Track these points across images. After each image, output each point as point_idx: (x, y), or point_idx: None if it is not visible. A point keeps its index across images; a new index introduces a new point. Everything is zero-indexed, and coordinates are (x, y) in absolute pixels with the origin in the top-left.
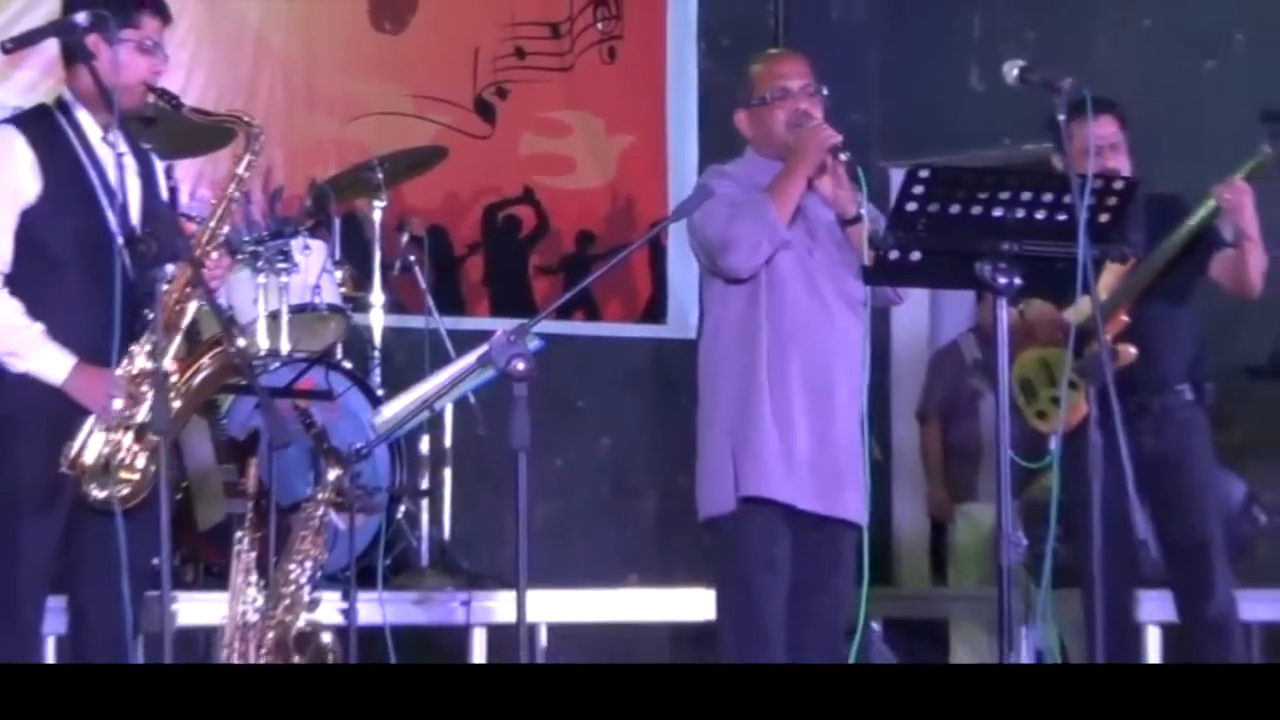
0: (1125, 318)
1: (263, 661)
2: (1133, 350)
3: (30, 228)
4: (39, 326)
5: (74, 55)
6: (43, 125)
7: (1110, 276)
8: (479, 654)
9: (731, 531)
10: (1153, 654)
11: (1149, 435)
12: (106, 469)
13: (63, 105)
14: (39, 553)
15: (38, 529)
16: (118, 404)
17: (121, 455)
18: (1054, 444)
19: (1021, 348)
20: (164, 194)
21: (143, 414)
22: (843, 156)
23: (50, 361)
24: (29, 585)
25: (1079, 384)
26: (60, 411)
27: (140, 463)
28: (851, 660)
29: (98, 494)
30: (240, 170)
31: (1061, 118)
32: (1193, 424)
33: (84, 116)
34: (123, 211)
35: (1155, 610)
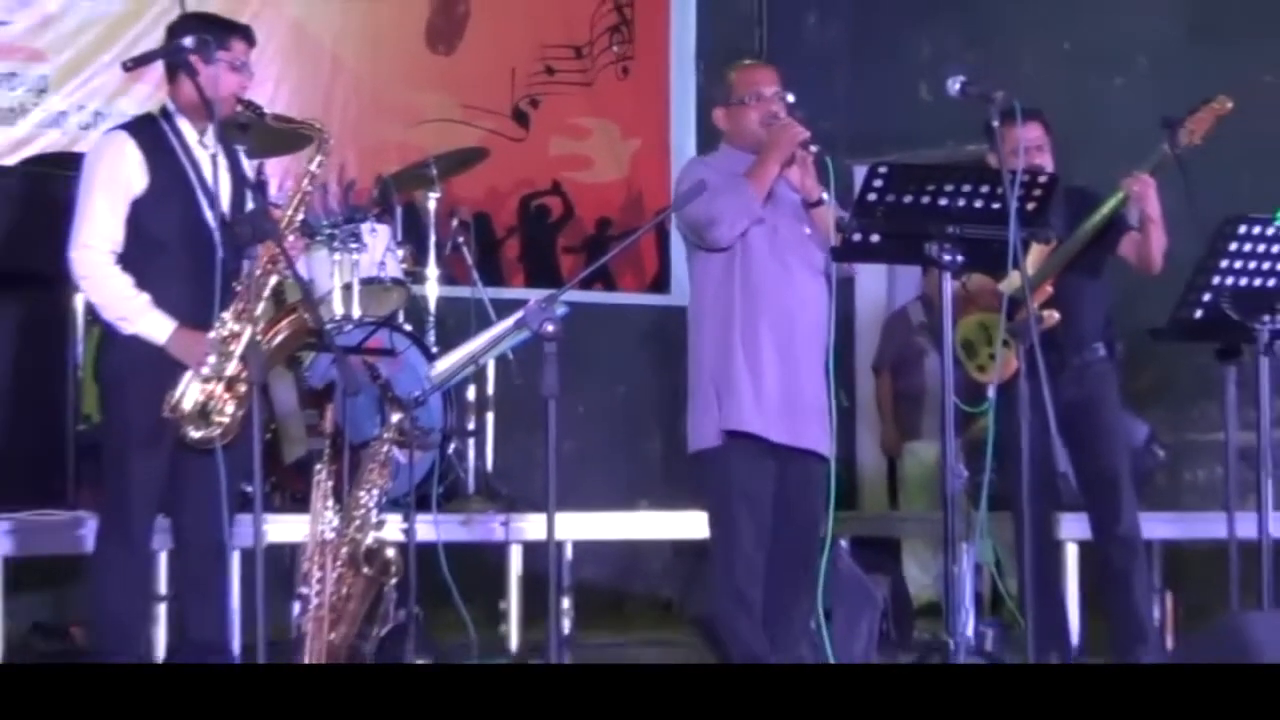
0: (1050, 289)
1: (337, 573)
2: (1056, 315)
3: (138, 216)
4: (145, 296)
5: (177, 72)
6: (149, 130)
7: (1036, 255)
8: (515, 566)
9: (714, 463)
10: (1071, 566)
11: (1070, 386)
12: (202, 414)
13: (166, 114)
14: (147, 483)
15: (145, 464)
16: (211, 360)
17: (214, 403)
18: (991, 393)
19: (964, 313)
20: (253, 187)
21: (231, 368)
22: (812, 149)
23: (154, 325)
24: (139, 510)
25: (1011, 343)
26: (163, 367)
27: (230, 409)
28: (821, 572)
29: (194, 435)
30: (312, 168)
31: (996, 123)
32: (1105, 376)
33: (184, 123)
34: (215, 202)
35: (1073, 530)
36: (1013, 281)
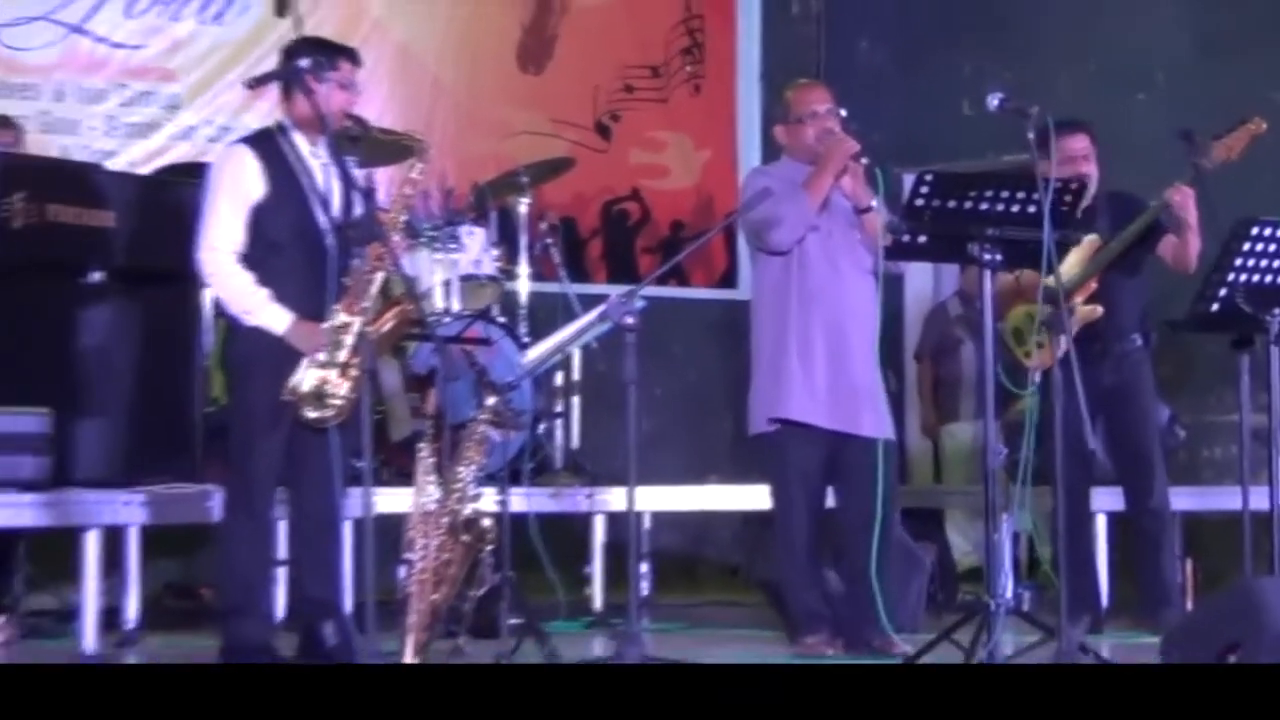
0: (1094, 285)
1: (438, 541)
2: (1100, 309)
3: (258, 220)
4: (265, 291)
5: (292, 90)
6: (267, 143)
7: (1083, 253)
8: (599, 535)
9: (770, 446)
10: (1101, 536)
11: (1110, 372)
12: (318, 396)
13: (282, 128)
14: (269, 460)
15: (267, 442)
16: (325, 348)
17: (328, 386)
18: (1035, 377)
19: (1015, 304)
20: (362, 193)
21: (343, 355)
22: (862, 161)
23: (274, 317)
24: (262, 484)
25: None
26: (282, 355)
27: (342, 392)
28: (877, 541)
29: (311, 415)
30: (414, 175)
31: (1031, 135)
32: (1141, 364)
33: (298, 136)
34: (328, 206)
35: (1104, 503)
36: (1066, 270)
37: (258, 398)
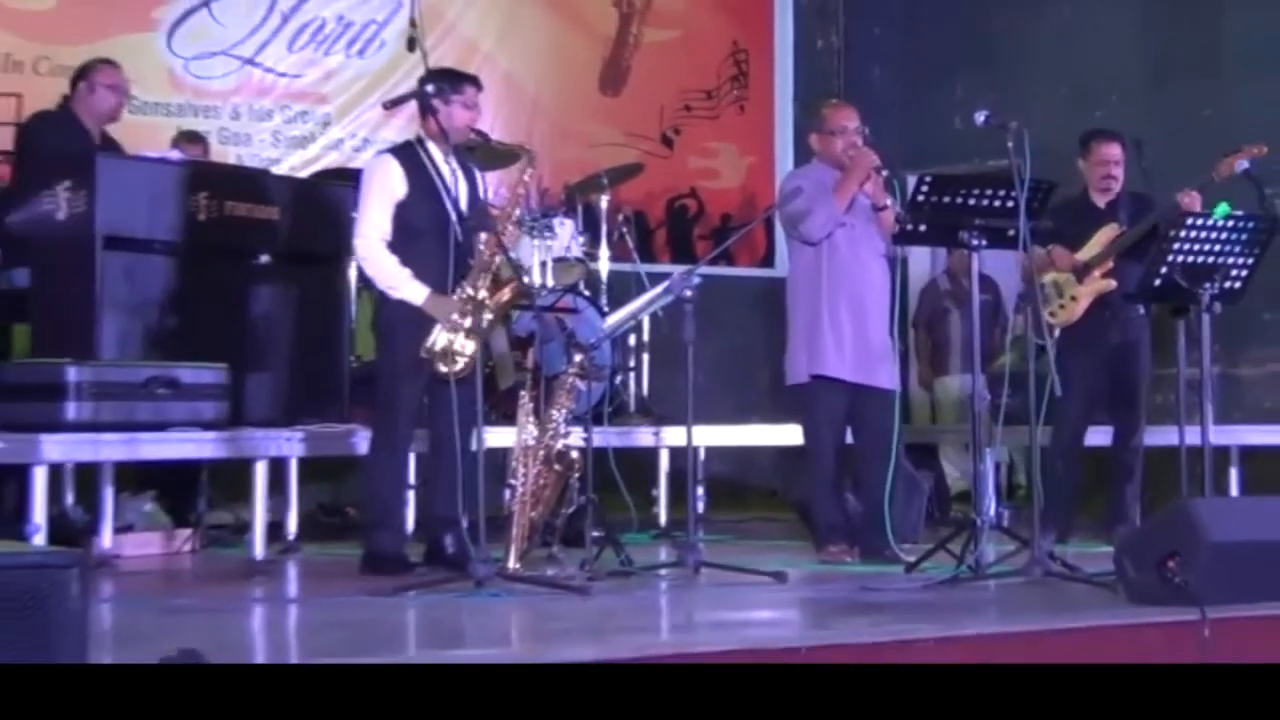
0: (1111, 263)
1: (535, 470)
2: (1113, 283)
3: (402, 214)
4: (407, 271)
5: (425, 110)
6: (408, 153)
7: (1102, 238)
8: (663, 464)
9: (804, 395)
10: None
11: (1116, 333)
12: (447, 354)
13: (419, 140)
14: (408, 404)
15: (408, 390)
16: (455, 317)
17: (456, 346)
18: (1055, 333)
19: (1045, 271)
20: (481, 192)
21: (468, 323)
22: (883, 172)
23: (414, 291)
24: (403, 424)
25: (1078, 297)
26: (421, 321)
27: (468, 350)
28: (890, 470)
29: (442, 369)
30: (525, 178)
31: (1010, 144)
32: (1143, 329)
33: (432, 147)
34: (455, 203)
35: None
36: (1089, 250)
37: (401, 355)
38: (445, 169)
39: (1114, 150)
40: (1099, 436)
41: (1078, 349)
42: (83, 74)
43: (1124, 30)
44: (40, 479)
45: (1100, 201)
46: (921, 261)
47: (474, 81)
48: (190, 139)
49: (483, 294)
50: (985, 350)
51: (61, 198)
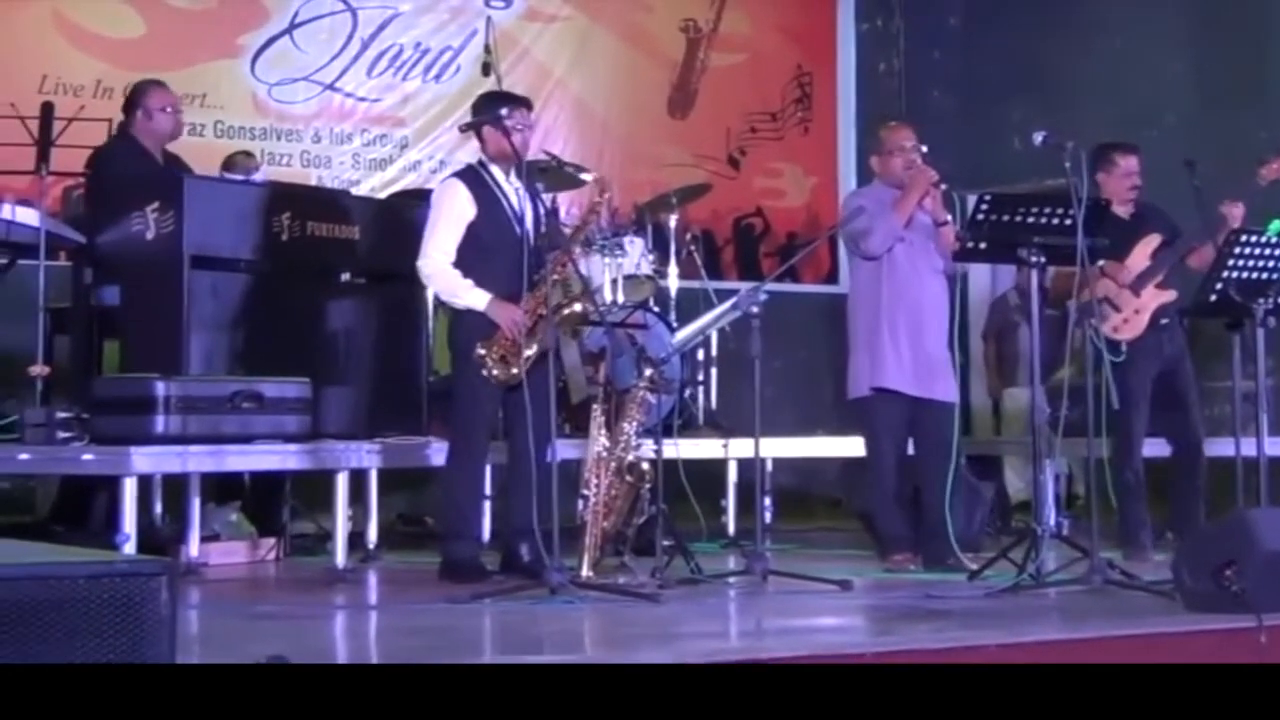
0: (1162, 276)
1: (607, 481)
2: (1174, 293)
3: (471, 233)
4: (470, 281)
5: (488, 132)
6: (474, 175)
7: (1145, 249)
8: (732, 475)
9: (866, 408)
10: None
11: (1168, 343)
12: (501, 359)
13: (481, 163)
14: (485, 417)
15: (486, 404)
16: (517, 319)
17: (510, 354)
18: (1124, 346)
19: (1099, 286)
20: (548, 211)
21: (530, 327)
22: (941, 187)
23: (477, 297)
24: (481, 438)
25: (1140, 310)
26: (487, 327)
27: (521, 357)
28: (950, 480)
29: (495, 373)
30: (598, 200)
31: (1068, 164)
32: (1183, 338)
33: (495, 168)
34: (521, 222)
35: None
36: (1136, 262)
37: (477, 370)
38: (509, 189)
39: (1136, 161)
40: (1150, 447)
41: (1140, 361)
42: (136, 99)
43: (1172, 56)
44: (130, 490)
45: (1123, 213)
46: (982, 277)
47: (525, 103)
48: (246, 156)
49: (549, 309)
50: (1051, 363)
51: (150, 218)
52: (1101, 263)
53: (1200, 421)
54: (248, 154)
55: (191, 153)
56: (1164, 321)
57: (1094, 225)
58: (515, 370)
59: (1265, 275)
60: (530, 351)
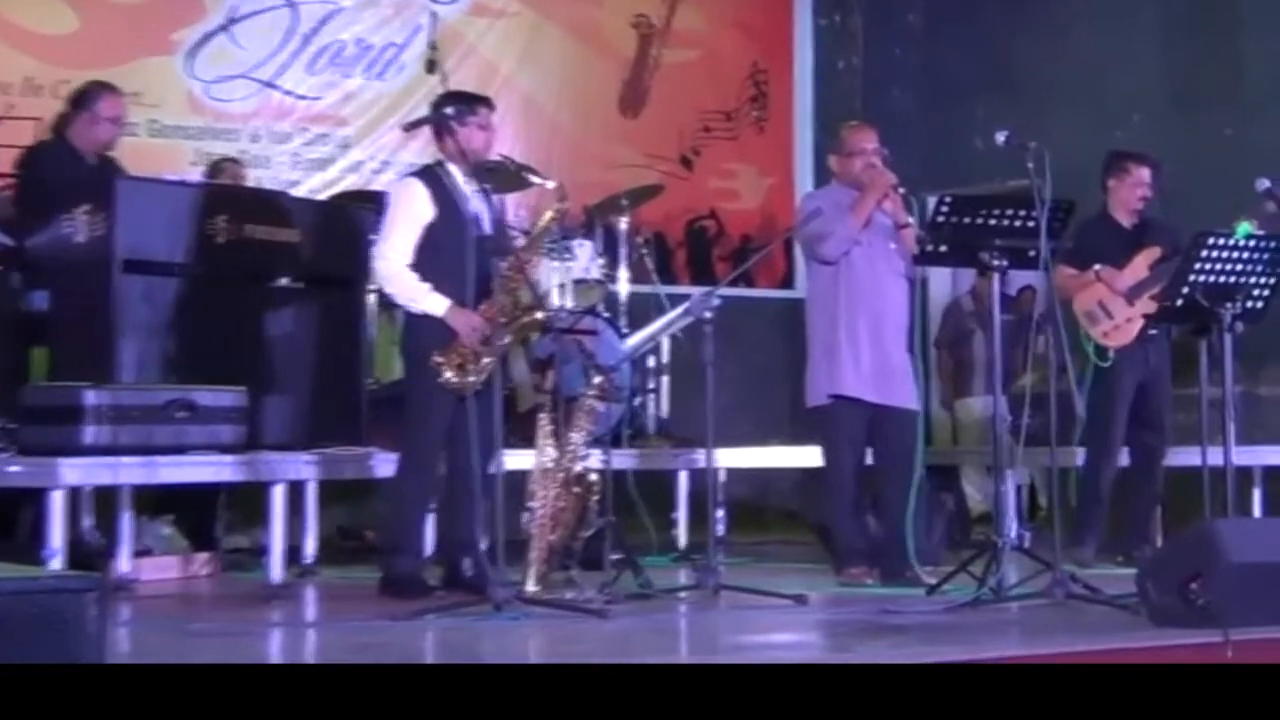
0: (1159, 289)
1: (554, 492)
2: None
3: (431, 235)
4: (428, 285)
5: (441, 132)
6: (432, 175)
7: (1145, 260)
8: (683, 486)
9: (825, 416)
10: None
11: (1154, 355)
12: (459, 366)
13: (440, 163)
14: (439, 427)
15: (439, 412)
16: (476, 326)
17: (468, 361)
18: (1111, 353)
19: (1094, 292)
20: (497, 214)
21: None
22: (901, 190)
23: (435, 303)
24: (433, 447)
25: (1132, 318)
26: (449, 342)
27: (482, 364)
28: (913, 492)
29: (452, 379)
30: (560, 207)
31: (1031, 164)
32: (1167, 351)
33: (453, 168)
34: (478, 224)
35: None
36: (1135, 273)
37: (431, 378)
38: (466, 190)
39: (1149, 173)
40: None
41: (1124, 369)
42: (84, 100)
43: (1144, 55)
44: (58, 502)
45: (1126, 223)
46: (942, 282)
47: (487, 102)
48: (233, 163)
49: (502, 319)
50: (1010, 370)
51: (81, 221)
52: (1098, 268)
53: (1168, 436)
54: (235, 160)
55: (125, 153)
56: (1152, 333)
57: (1058, 228)
58: (473, 379)
59: (1233, 279)
60: (489, 360)
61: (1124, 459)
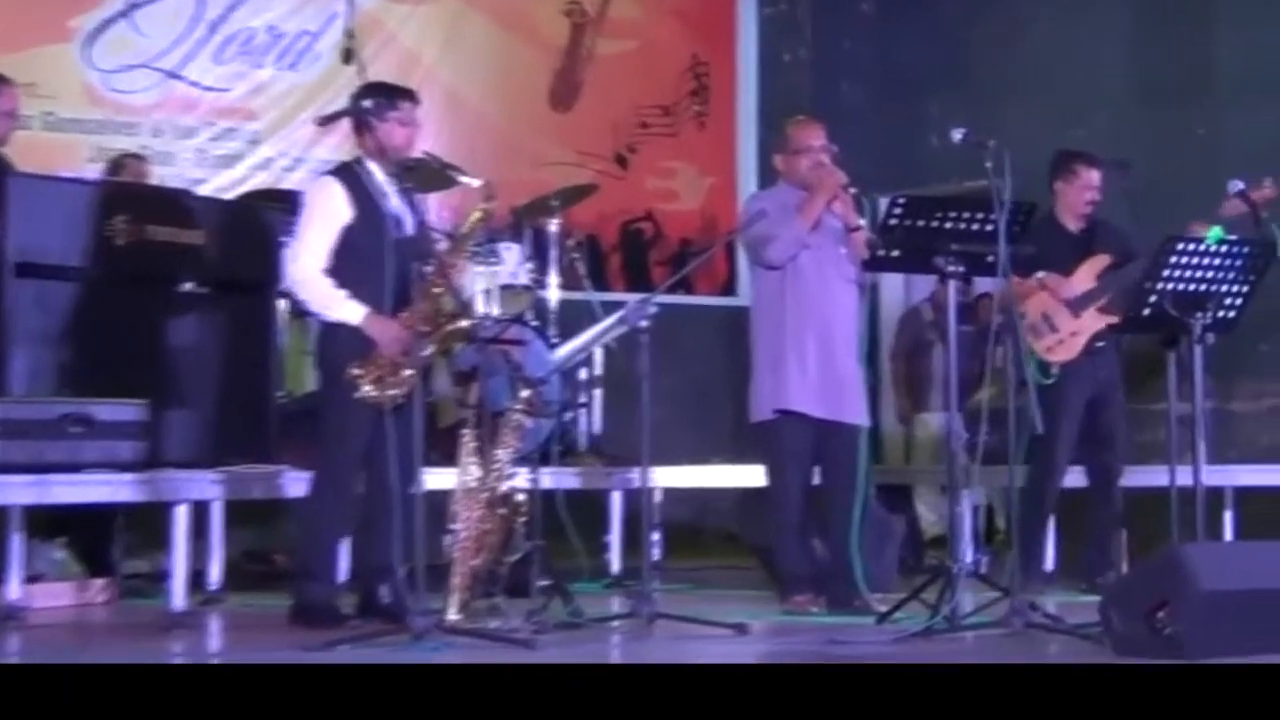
0: (1106, 299)
1: (478, 514)
2: (1116, 318)
3: (349, 237)
4: (343, 292)
5: (360, 127)
6: (350, 173)
7: (1092, 269)
8: (617, 508)
9: (769, 432)
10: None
11: (1102, 368)
12: (377, 380)
13: (359, 160)
14: (357, 443)
15: (357, 427)
16: (396, 335)
17: (387, 374)
18: (1055, 369)
19: (1035, 301)
20: (421, 215)
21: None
22: (851, 190)
23: (351, 310)
24: (350, 465)
25: (1078, 331)
26: (368, 352)
27: (398, 377)
28: (858, 512)
29: (370, 393)
30: (487, 207)
31: (989, 164)
32: (1117, 363)
33: (372, 166)
34: (399, 225)
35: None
36: (1081, 281)
37: (348, 390)
38: (387, 189)
39: (1097, 175)
40: (1070, 478)
41: (1070, 385)
42: None
43: (1110, 48)
44: None
45: (1073, 227)
46: (895, 288)
47: (410, 96)
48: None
49: (423, 329)
50: (969, 384)
51: None
52: (1041, 274)
53: (1124, 454)
54: (137, 156)
55: (17, 148)
56: (1099, 345)
57: (1018, 231)
58: (393, 392)
59: (1204, 287)
60: (410, 372)
61: (1081, 480)
